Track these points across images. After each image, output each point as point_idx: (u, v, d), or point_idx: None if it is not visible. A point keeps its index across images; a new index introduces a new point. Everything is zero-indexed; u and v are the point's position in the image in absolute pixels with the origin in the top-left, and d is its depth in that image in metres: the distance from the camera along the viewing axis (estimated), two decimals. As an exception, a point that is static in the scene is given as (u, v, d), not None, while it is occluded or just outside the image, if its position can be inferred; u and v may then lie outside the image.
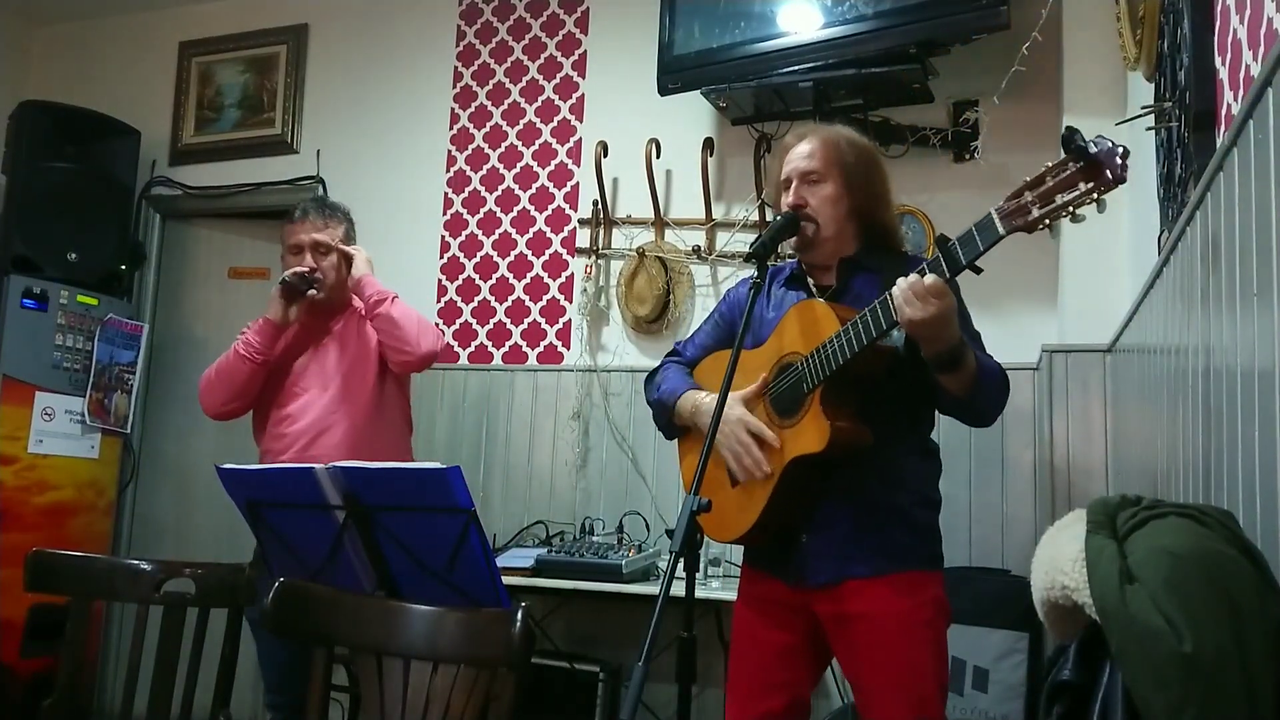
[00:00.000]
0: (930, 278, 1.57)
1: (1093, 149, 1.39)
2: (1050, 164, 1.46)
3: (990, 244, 1.53)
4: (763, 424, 1.81)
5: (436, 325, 3.67)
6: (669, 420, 2.01)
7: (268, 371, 2.68)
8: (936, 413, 1.93)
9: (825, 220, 1.88)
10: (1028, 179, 1.48)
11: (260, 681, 3.78)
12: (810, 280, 1.96)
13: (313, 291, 2.66)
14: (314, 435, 2.61)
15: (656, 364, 2.13)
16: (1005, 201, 1.51)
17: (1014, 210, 1.49)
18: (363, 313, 2.71)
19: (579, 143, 3.65)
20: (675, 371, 2.06)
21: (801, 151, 1.91)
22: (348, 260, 2.70)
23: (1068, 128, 1.42)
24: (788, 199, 1.90)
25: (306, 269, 2.66)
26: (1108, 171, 1.38)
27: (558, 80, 3.72)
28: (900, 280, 1.59)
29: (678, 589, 1.47)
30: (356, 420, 2.63)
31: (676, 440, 2.06)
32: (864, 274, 1.89)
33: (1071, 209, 1.43)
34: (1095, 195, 1.41)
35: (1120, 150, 1.38)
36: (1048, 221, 1.46)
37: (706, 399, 1.92)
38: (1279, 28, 1.21)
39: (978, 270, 1.58)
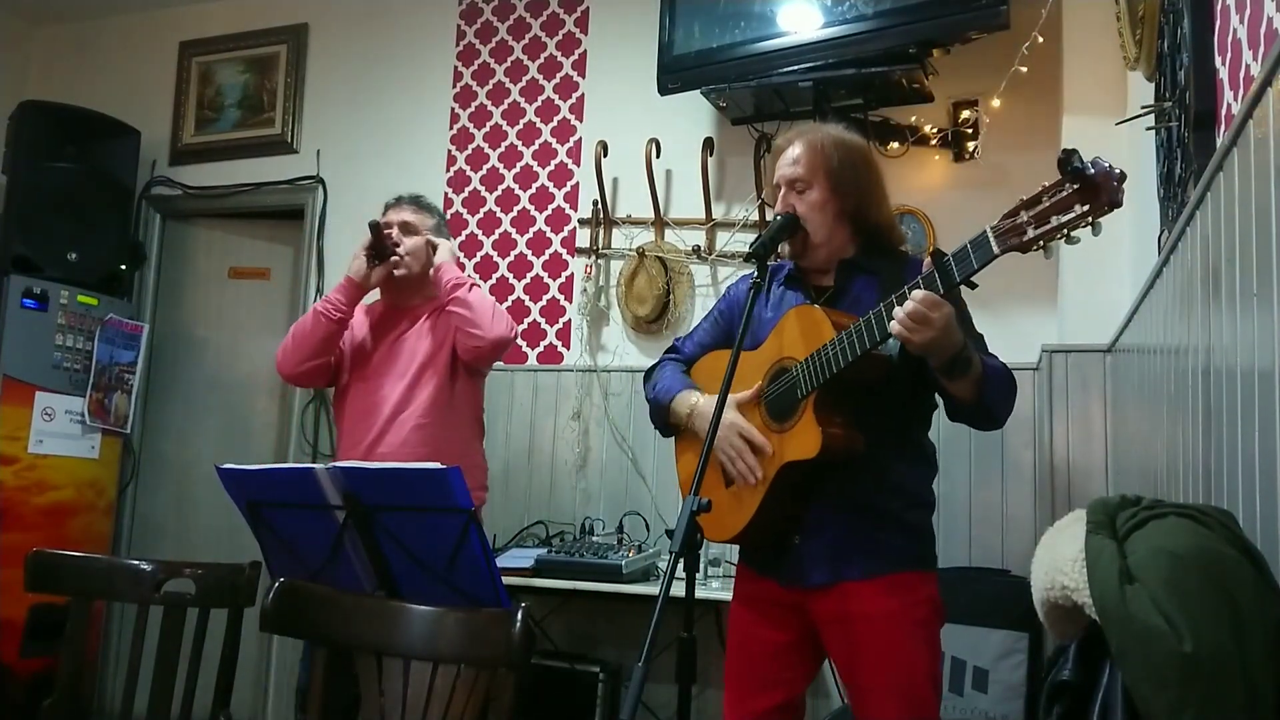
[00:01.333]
0: (920, 293, 1.57)
1: (1090, 171, 1.37)
2: (1046, 184, 1.45)
3: (984, 263, 1.53)
4: (755, 429, 1.82)
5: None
6: (665, 420, 2.02)
7: (342, 334, 2.71)
8: (932, 415, 1.93)
9: (815, 227, 1.88)
10: (1024, 198, 1.47)
11: (260, 681, 3.78)
12: (809, 280, 1.96)
13: (394, 258, 2.71)
14: (384, 426, 2.63)
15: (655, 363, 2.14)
16: (1001, 220, 1.50)
17: (1009, 230, 1.48)
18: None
19: (579, 143, 3.65)
20: (672, 370, 2.06)
21: (788, 158, 1.91)
22: (434, 249, 2.75)
23: (1064, 150, 1.40)
24: (775, 207, 1.92)
25: (395, 234, 2.72)
26: (1104, 195, 1.37)
27: (558, 80, 3.72)
28: (897, 310, 1.59)
29: (678, 589, 1.47)
30: (426, 415, 2.65)
31: (674, 439, 2.07)
32: (863, 276, 1.89)
33: (1066, 231, 1.42)
34: (1091, 219, 1.40)
35: (1117, 174, 1.37)
36: (1043, 243, 1.45)
37: (702, 401, 1.93)
38: (1279, 27, 1.21)
39: (972, 285, 1.58)
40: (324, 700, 1.48)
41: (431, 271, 2.73)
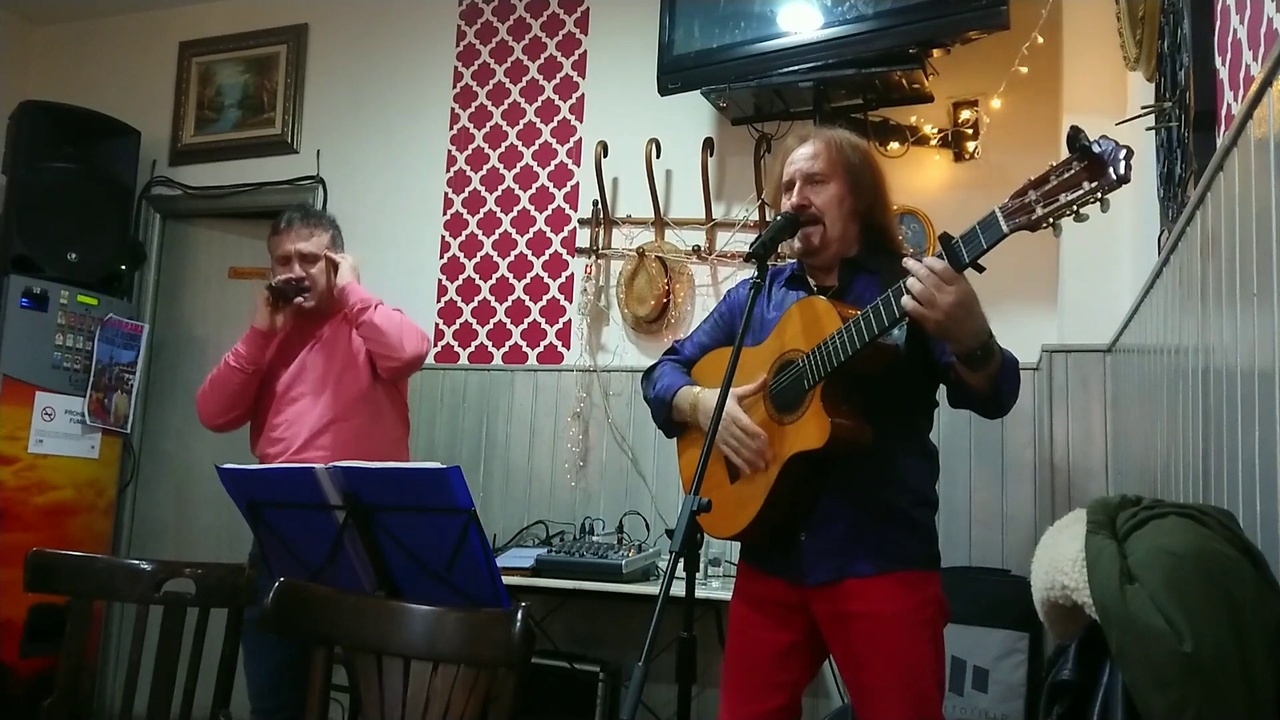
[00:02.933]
0: (937, 263, 1.56)
1: (1097, 149, 1.39)
2: (1054, 163, 1.46)
3: (994, 242, 1.52)
4: (749, 419, 1.81)
5: (435, 326, 3.68)
6: (667, 417, 2.02)
7: (260, 380, 2.70)
8: (935, 413, 1.94)
9: (831, 221, 1.88)
10: (1031, 178, 1.48)
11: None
12: (811, 281, 1.96)
13: (300, 299, 2.69)
14: (307, 439, 2.61)
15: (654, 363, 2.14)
16: (1009, 200, 1.50)
17: (1018, 209, 1.49)
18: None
19: (579, 143, 3.65)
20: (672, 369, 2.06)
21: (805, 153, 1.91)
22: (335, 267, 2.71)
23: (1072, 127, 1.41)
24: (791, 200, 1.90)
25: (295, 276, 2.69)
26: (1111, 171, 1.38)
27: (558, 80, 3.72)
28: (909, 280, 1.57)
29: (678, 589, 1.47)
30: (349, 424, 2.63)
31: (676, 438, 2.07)
32: (865, 275, 1.89)
33: (1075, 208, 1.43)
34: (1099, 195, 1.40)
35: (1124, 150, 1.38)
36: (1051, 220, 1.46)
37: (705, 394, 1.93)
38: (1279, 28, 1.21)
39: (980, 269, 1.58)
40: (323, 700, 1.48)
41: (335, 291, 2.69)
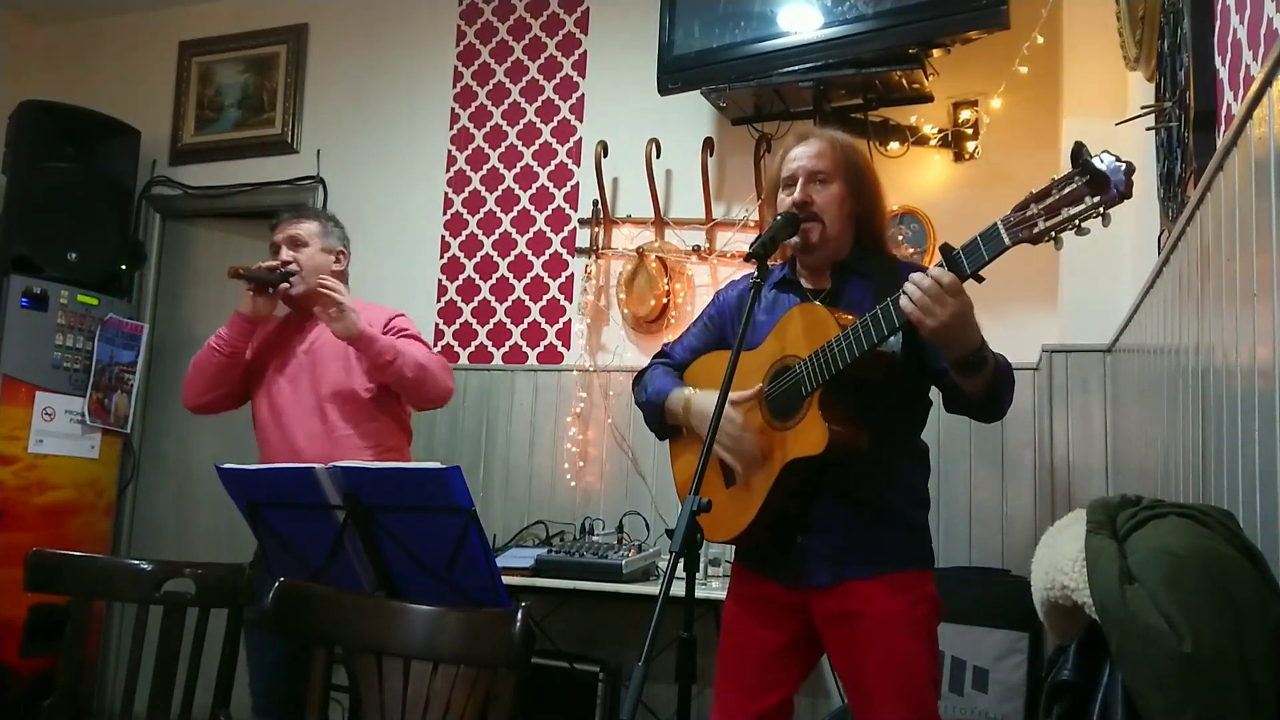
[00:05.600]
0: (944, 275, 1.56)
1: (1099, 164, 1.40)
2: (1056, 177, 1.46)
3: (995, 254, 1.53)
4: (741, 426, 1.81)
5: (434, 326, 3.66)
6: (660, 421, 2.02)
7: (241, 365, 2.67)
8: (927, 415, 1.95)
9: (831, 220, 1.88)
10: (1034, 191, 1.49)
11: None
12: (804, 284, 1.96)
13: (285, 285, 2.63)
14: (296, 436, 2.57)
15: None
16: (1011, 213, 1.51)
17: (1020, 222, 1.50)
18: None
19: (579, 143, 3.65)
20: (662, 372, 2.06)
21: (808, 151, 1.91)
22: (337, 305, 2.49)
23: (1076, 143, 1.42)
24: (792, 196, 1.89)
25: (270, 264, 2.66)
26: (1113, 187, 1.39)
27: (558, 80, 3.72)
28: (909, 286, 1.58)
29: (678, 589, 1.47)
30: (339, 422, 2.59)
31: (669, 441, 2.07)
32: (857, 279, 1.90)
33: (1077, 222, 1.44)
34: (1101, 210, 1.41)
35: (1126, 166, 1.39)
36: (1053, 234, 1.46)
37: (697, 396, 1.93)
38: (1279, 28, 1.21)
39: (980, 279, 1.58)
40: (323, 700, 1.48)
41: (347, 338, 2.50)
